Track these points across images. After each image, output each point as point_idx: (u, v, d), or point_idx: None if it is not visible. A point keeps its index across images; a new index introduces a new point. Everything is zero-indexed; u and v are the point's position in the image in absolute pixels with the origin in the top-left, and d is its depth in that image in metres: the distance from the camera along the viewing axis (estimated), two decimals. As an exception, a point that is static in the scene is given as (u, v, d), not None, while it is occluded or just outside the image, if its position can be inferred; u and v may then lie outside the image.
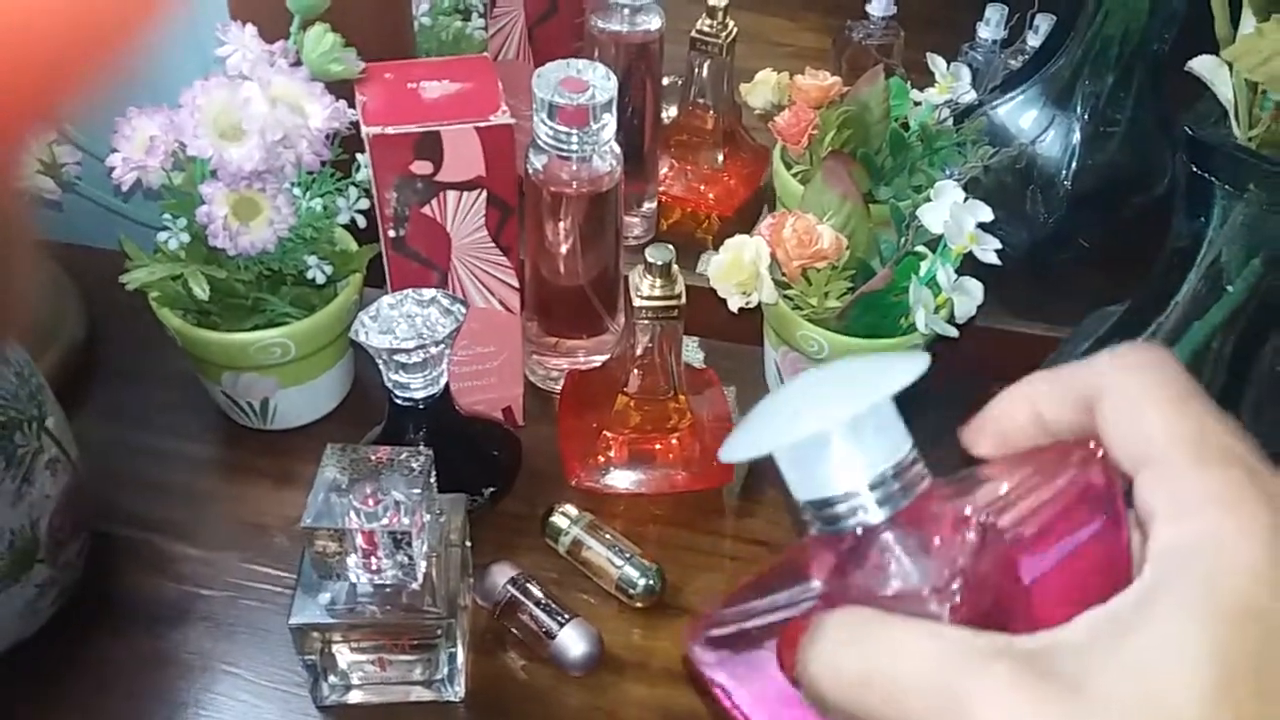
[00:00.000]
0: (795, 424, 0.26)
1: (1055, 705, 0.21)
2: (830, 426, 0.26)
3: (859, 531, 0.27)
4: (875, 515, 0.26)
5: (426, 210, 0.59)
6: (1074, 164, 0.74)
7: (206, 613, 0.59)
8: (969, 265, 0.62)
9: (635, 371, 0.64)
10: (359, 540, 0.49)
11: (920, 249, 0.64)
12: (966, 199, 0.61)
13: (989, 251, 0.61)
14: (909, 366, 0.26)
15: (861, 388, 0.26)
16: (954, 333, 0.62)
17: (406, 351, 0.55)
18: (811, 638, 0.25)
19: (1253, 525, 0.22)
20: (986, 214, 0.61)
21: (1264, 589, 0.21)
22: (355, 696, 0.55)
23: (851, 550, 0.27)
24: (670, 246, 0.60)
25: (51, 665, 0.56)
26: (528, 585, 0.58)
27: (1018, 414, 0.27)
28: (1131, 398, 0.25)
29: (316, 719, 0.55)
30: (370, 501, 0.49)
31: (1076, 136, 0.74)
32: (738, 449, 0.27)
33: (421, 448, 0.52)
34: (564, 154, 0.63)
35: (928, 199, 0.62)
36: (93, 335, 0.74)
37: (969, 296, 0.62)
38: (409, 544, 0.49)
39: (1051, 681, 0.21)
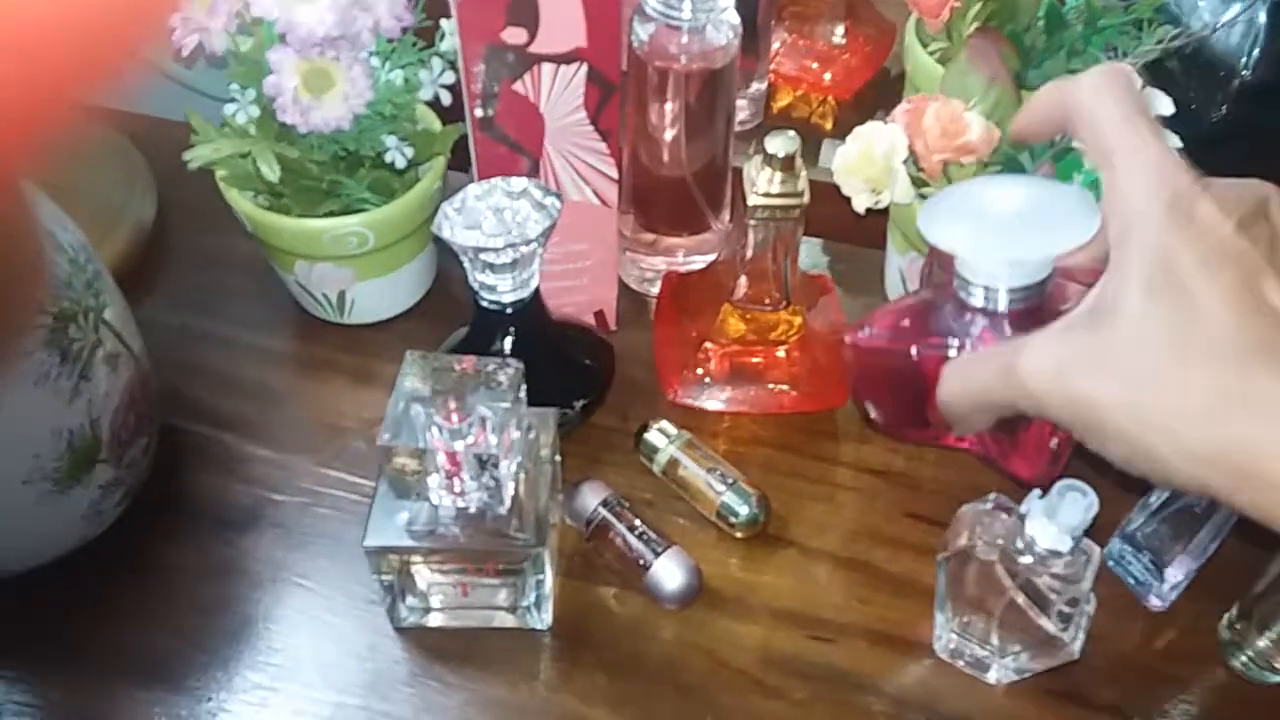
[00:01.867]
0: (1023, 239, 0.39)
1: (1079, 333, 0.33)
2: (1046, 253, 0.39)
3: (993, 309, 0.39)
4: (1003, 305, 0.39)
5: (518, 86, 0.52)
6: (1256, 50, 0.64)
7: (278, 519, 0.56)
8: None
9: (743, 278, 0.57)
10: (441, 460, 0.44)
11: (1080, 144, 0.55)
12: (1143, 87, 0.52)
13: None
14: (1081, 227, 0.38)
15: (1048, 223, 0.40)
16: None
17: (495, 251, 0.49)
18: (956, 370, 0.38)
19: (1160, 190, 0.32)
20: (1167, 106, 0.52)
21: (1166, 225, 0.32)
22: (435, 620, 0.51)
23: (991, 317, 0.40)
24: (794, 134, 0.52)
25: (117, 568, 0.53)
26: (620, 508, 0.53)
27: (1035, 112, 0.40)
28: (1092, 117, 0.35)
29: (394, 641, 0.51)
30: (454, 417, 0.44)
31: (1262, 19, 0.64)
32: (941, 232, 0.39)
33: (510, 358, 0.46)
34: (674, 22, 0.55)
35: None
36: (162, 215, 0.70)
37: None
38: (495, 466, 0.44)
39: (1072, 328, 0.33)
